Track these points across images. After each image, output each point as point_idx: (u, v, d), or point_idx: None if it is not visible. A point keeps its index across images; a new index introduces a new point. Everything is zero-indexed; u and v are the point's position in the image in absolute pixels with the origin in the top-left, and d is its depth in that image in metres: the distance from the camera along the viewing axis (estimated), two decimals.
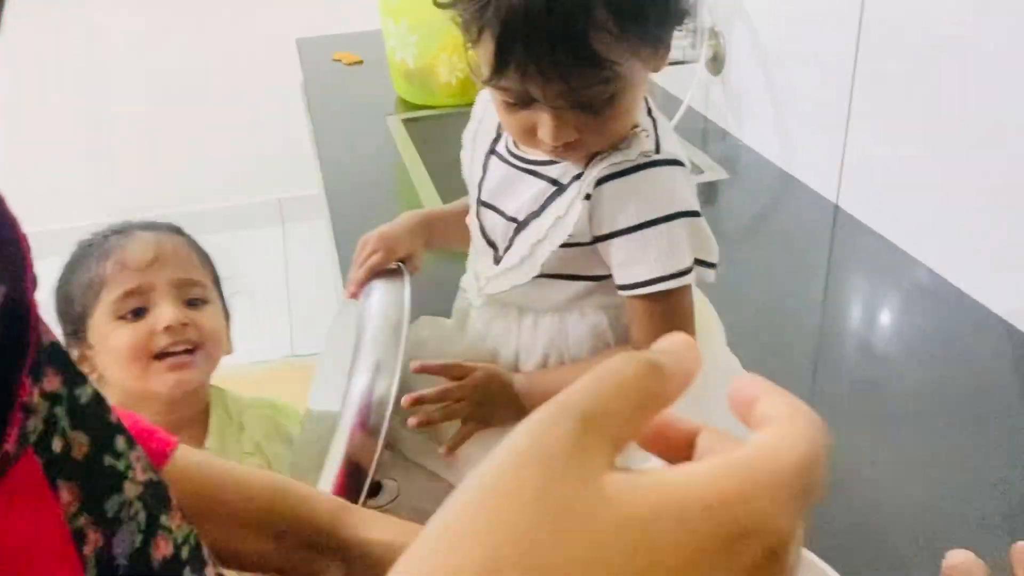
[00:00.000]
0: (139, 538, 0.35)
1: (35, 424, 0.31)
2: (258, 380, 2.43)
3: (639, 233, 0.63)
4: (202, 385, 0.99)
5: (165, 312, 0.90)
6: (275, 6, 2.97)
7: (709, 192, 1.35)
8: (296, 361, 2.54)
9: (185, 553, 0.37)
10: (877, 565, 0.70)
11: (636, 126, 0.65)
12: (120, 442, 0.36)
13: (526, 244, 0.67)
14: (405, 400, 0.69)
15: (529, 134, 0.64)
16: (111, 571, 0.33)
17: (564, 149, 0.64)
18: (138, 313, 0.91)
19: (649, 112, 0.67)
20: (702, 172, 1.39)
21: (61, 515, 0.31)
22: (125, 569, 0.34)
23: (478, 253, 0.75)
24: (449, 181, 1.41)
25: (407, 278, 0.76)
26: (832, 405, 0.90)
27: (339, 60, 1.94)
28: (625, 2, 0.57)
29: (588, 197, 0.64)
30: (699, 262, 0.68)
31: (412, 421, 0.69)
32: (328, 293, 2.46)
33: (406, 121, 1.59)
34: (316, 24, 2.31)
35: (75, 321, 0.94)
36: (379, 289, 0.75)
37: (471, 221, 0.75)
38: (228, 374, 2.60)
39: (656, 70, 0.64)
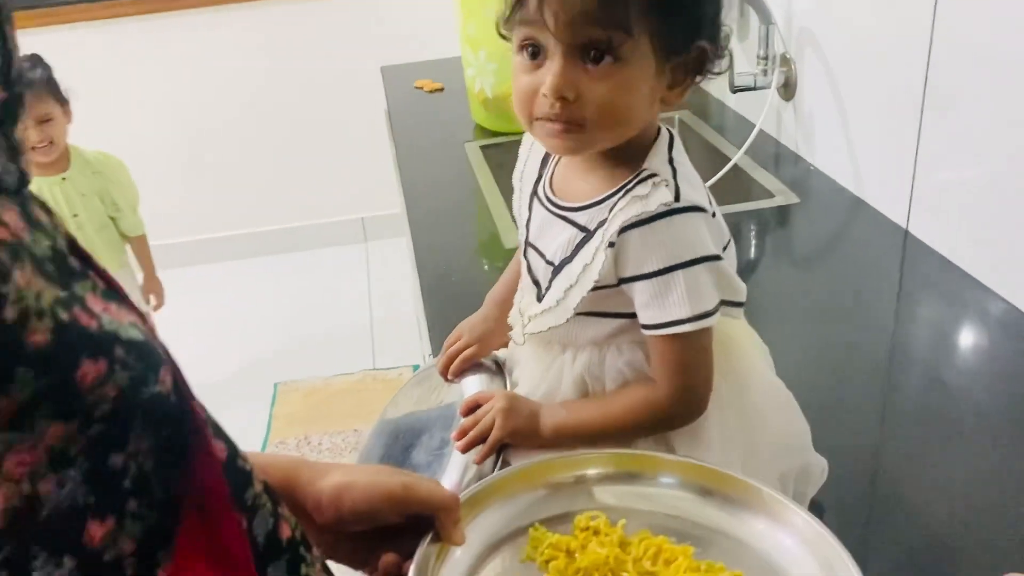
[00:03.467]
0: (271, 522, 0.43)
1: (209, 420, 0.40)
2: (339, 391, 2.55)
3: (661, 278, 0.66)
4: (61, 152, 2.08)
5: (31, 135, 1.92)
6: (362, 34, 3.09)
7: (780, 216, 1.37)
8: (377, 374, 2.63)
9: (299, 535, 0.46)
10: None
11: (655, 175, 0.68)
12: (240, 451, 0.43)
13: (560, 288, 0.71)
14: (453, 437, 0.76)
15: (532, 99, 0.67)
16: (254, 548, 0.41)
17: (562, 115, 0.66)
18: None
19: (671, 161, 0.70)
20: (773, 196, 1.41)
21: (230, 499, 0.39)
22: (263, 546, 0.42)
23: (523, 290, 0.79)
24: None
25: (508, 380, 0.83)
26: (900, 431, 0.92)
27: (421, 88, 2.02)
28: None
29: (612, 245, 0.67)
30: (726, 303, 0.70)
31: (459, 446, 0.75)
32: (408, 309, 2.55)
33: (483, 147, 1.66)
34: (401, 51, 2.40)
35: None
36: (479, 385, 0.82)
37: (520, 259, 0.80)
38: (312, 385, 2.71)
39: (666, 84, 0.68)
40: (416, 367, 2.60)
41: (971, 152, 1.11)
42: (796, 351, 1.04)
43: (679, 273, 0.66)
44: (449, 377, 0.84)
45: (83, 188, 2.12)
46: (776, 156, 1.56)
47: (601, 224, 0.69)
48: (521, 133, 1.78)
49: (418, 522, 0.60)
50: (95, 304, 0.33)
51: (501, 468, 0.75)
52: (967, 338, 1.06)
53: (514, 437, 0.75)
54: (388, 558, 0.60)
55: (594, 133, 0.67)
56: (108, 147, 2.83)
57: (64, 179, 2.10)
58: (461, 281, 1.27)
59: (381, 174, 2.78)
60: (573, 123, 0.66)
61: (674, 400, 0.70)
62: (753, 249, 1.35)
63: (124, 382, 0.33)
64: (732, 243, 0.74)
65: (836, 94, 1.39)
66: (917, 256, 1.19)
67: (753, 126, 1.48)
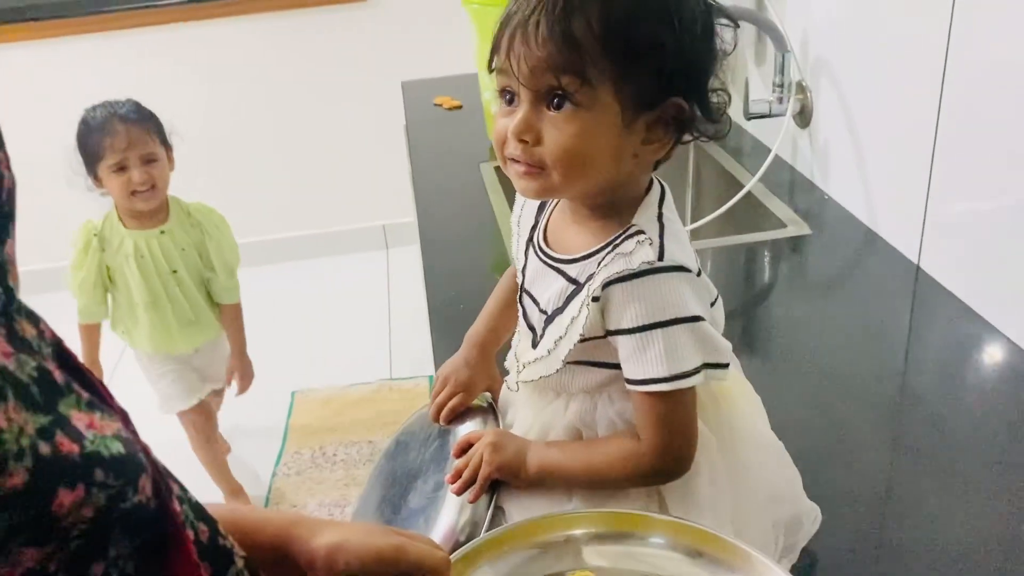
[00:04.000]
0: None
1: (187, 509, 0.41)
2: (356, 400, 2.56)
3: (640, 335, 0.67)
4: (162, 200, 1.91)
5: (134, 175, 1.81)
6: (387, 45, 3.11)
7: (792, 247, 1.37)
8: (394, 384, 2.64)
9: None
10: None
11: (641, 232, 0.68)
12: (221, 528, 0.44)
13: (551, 339, 0.72)
14: (447, 480, 0.77)
15: (505, 141, 0.70)
16: None
17: (524, 157, 0.68)
18: (123, 168, 1.81)
19: (659, 217, 0.70)
20: (785, 226, 1.40)
21: None
22: None
23: (520, 335, 0.80)
24: None
25: (501, 420, 0.84)
26: (904, 477, 0.91)
27: (440, 105, 2.03)
28: (617, 13, 0.64)
29: (596, 299, 0.68)
30: (709, 366, 0.69)
31: (453, 488, 0.76)
32: (426, 319, 2.56)
33: (498, 169, 1.66)
34: (423, 64, 2.41)
35: (91, 164, 1.82)
36: (472, 427, 0.83)
37: (517, 303, 0.80)
38: (329, 394, 2.72)
39: (640, 139, 0.68)
40: (432, 378, 2.61)
41: (983, 188, 1.10)
42: (800, 388, 1.03)
43: (658, 332, 0.66)
44: (441, 424, 0.85)
45: (183, 241, 1.94)
46: (791, 183, 1.55)
47: (590, 278, 0.69)
48: None
49: None
50: (80, 421, 0.34)
51: (494, 508, 0.76)
52: (974, 382, 1.04)
53: (501, 472, 0.76)
54: None
55: (554, 177, 0.68)
56: None
57: (163, 232, 1.91)
58: (469, 304, 1.27)
59: (403, 181, 2.80)
60: (534, 165, 0.68)
61: (656, 456, 0.70)
62: (762, 281, 1.35)
63: (101, 502, 0.34)
64: (720, 300, 0.74)
65: (851, 123, 1.38)
66: (927, 293, 1.18)
67: (769, 151, 1.47)
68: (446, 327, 1.22)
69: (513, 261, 0.83)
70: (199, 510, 0.42)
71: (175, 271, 1.92)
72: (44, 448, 0.32)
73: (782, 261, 1.36)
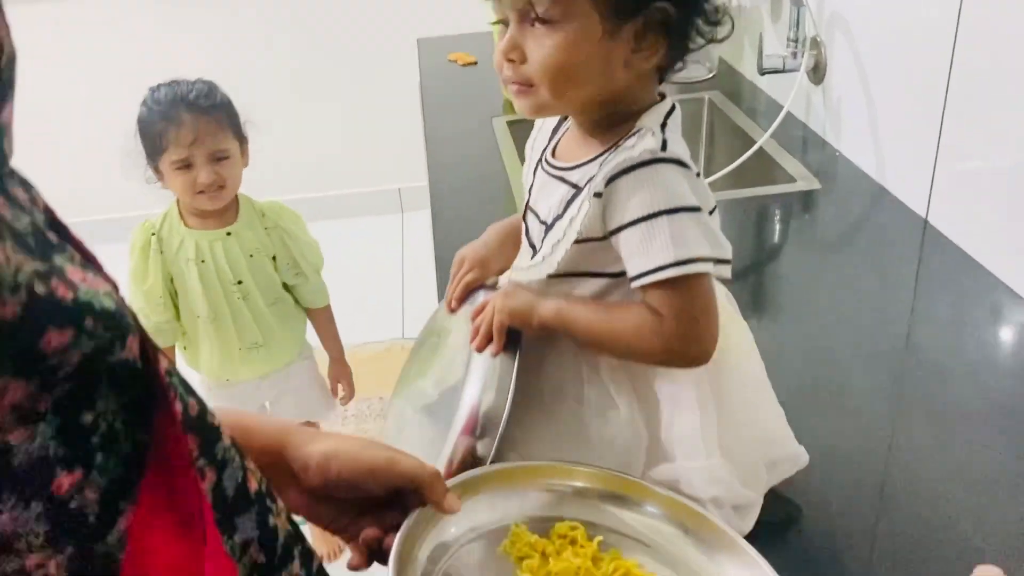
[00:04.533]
0: (240, 475, 0.45)
1: (176, 381, 0.42)
2: (367, 358, 2.58)
3: (644, 224, 0.66)
4: (231, 200, 1.61)
5: (201, 176, 1.50)
6: (402, 3, 3.10)
7: (801, 201, 1.36)
8: (406, 343, 2.66)
9: (264, 488, 0.48)
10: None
11: (642, 129, 0.70)
12: (209, 407, 0.45)
13: (549, 244, 0.73)
14: (469, 341, 0.77)
15: (501, 65, 0.72)
16: (223, 500, 0.44)
17: (513, 76, 0.70)
18: (188, 166, 1.51)
19: (664, 125, 0.71)
20: (795, 181, 1.40)
21: (189, 457, 0.41)
22: (231, 499, 0.44)
23: (521, 254, 0.81)
24: None
25: None
26: (905, 427, 0.91)
27: (455, 61, 2.02)
28: None
29: (599, 195, 0.68)
30: (715, 260, 0.68)
31: (474, 345, 0.76)
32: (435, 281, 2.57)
33: (511, 123, 1.66)
34: (439, 22, 2.41)
35: (152, 155, 1.53)
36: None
37: (520, 223, 0.82)
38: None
39: (630, 47, 0.68)
40: None
41: (992, 144, 1.09)
42: (806, 338, 1.04)
43: (663, 218, 0.66)
44: (453, 305, 0.85)
45: (252, 246, 1.62)
46: (803, 140, 1.54)
47: (591, 180, 0.70)
48: None
49: (402, 499, 0.62)
50: (74, 274, 0.35)
51: (519, 360, 0.75)
52: (978, 334, 1.04)
53: (513, 318, 0.75)
54: (369, 532, 0.62)
55: (543, 92, 0.70)
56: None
57: (229, 234, 1.60)
58: None
59: (420, 145, 2.81)
60: (523, 83, 0.71)
61: (676, 339, 0.68)
62: (769, 234, 1.35)
63: (89, 349, 0.35)
64: (717, 211, 0.74)
65: (864, 79, 1.37)
66: (935, 248, 1.18)
67: (782, 108, 1.46)
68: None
69: (522, 189, 0.84)
70: (187, 387, 0.43)
71: (240, 281, 1.61)
72: (39, 288, 0.33)
73: (791, 215, 1.36)
